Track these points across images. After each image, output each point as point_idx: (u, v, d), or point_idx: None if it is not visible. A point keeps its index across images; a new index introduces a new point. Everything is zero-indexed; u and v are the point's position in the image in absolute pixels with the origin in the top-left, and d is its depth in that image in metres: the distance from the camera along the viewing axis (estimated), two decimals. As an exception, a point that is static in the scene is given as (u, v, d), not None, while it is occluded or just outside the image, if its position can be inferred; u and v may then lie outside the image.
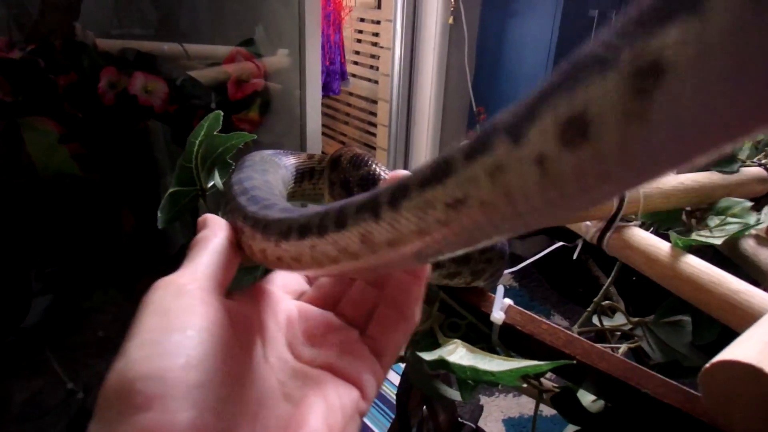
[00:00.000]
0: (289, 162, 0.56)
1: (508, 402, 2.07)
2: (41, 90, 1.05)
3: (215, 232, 0.33)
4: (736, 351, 0.36)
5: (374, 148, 3.05)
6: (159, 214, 0.62)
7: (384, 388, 2.07)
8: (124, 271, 1.23)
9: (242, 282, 0.44)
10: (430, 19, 2.56)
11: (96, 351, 1.14)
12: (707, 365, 0.36)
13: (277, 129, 1.34)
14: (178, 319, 0.26)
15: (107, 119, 1.13)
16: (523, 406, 2.06)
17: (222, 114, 0.62)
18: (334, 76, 2.89)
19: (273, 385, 0.29)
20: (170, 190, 0.63)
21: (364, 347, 0.33)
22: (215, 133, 0.62)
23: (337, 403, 0.30)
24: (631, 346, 0.69)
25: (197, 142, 0.62)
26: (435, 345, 0.60)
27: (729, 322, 0.54)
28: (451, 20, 2.52)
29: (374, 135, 3.07)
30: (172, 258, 1.29)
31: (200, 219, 0.35)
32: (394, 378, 2.09)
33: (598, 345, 0.58)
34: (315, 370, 0.31)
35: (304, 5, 1.18)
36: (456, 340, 0.58)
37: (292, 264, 0.29)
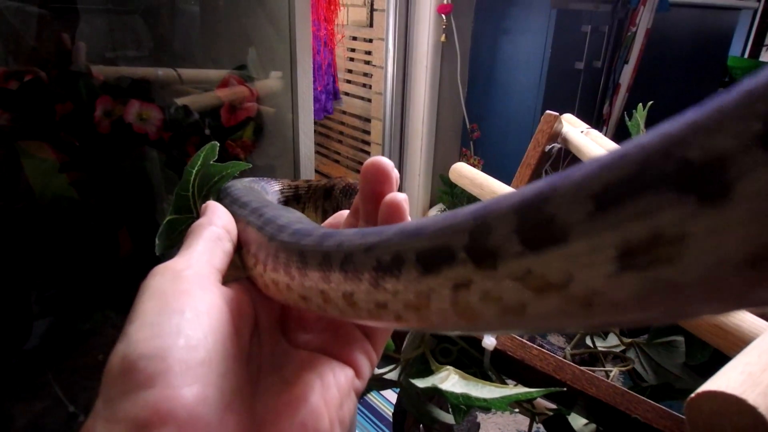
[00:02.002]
0: (271, 189, 0.56)
1: (505, 419, 2.06)
2: (39, 119, 1.06)
3: (211, 219, 0.34)
4: (720, 381, 0.37)
5: (368, 166, 3.05)
6: (157, 241, 0.62)
7: (381, 406, 2.06)
8: (121, 293, 1.23)
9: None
10: (423, 38, 2.58)
11: (97, 374, 1.14)
12: (692, 395, 0.37)
13: (270, 153, 1.34)
14: (175, 302, 0.27)
15: (103, 147, 1.13)
16: (520, 423, 2.06)
17: (218, 144, 0.63)
18: (327, 96, 2.91)
19: (269, 368, 0.30)
20: (168, 218, 0.64)
21: (355, 329, 0.33)
22: (211, 162, 0.63)
23: (332, 381, 0.30)
24: (623, 369, 0.70)
25: (194, 171, 0.63)
26: (427, 371, 0.61)
27: (719, 347, 0.54)
28: (443, 38, 2.53)
29: (368, 153, 3.07)
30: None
31: (202, 206, 0.36)
32: (392, 397, 2.09)
33: (589, 368, 0.59)
34: (309, 353, 0.32)
35: (294, 29, 1.19)
36: (448, 367, 0.58)
37: (346, 310, 0.24)
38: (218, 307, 0.28)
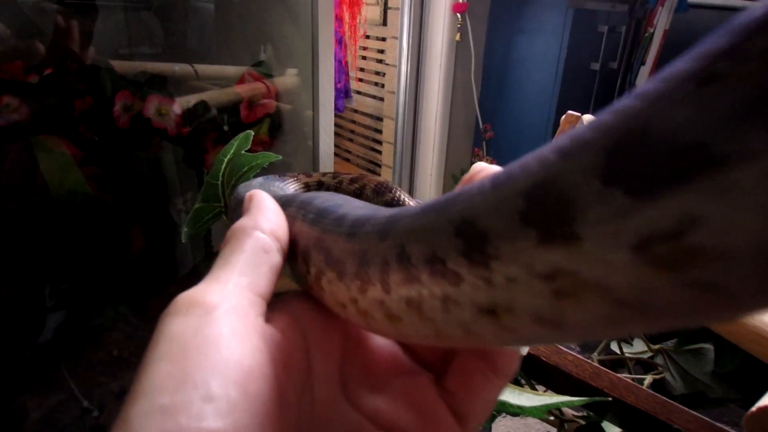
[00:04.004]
0: (289, 186, 0.53)
1: (515, 423, 2.05)
2: (58, 113, 1.05)
3: (257, 221, 0.25)
4: (782, 395, 0.35)
5: (379, 166, 3.04)
6: (184, 229, 0.63)
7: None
8: (133, 289, 1.23)
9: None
10: (437, 36, 2.56)
11: (111, 370, 1.15)
12: (753, 409, 0.36)
13: (287, 149, 1.33)
14: (200, 366, 0.19)
15: (122, 142, 1.13)
16: (530, 426, 2.04)
17: (252, 134, 0.63)
18: (338, 94, 2.89)
19: None
20: (196, 206, 0.64)
21: (442, 405, 0.25)
22: (243, 152, 0.63)
23: None
24: (657, 377, 0.68)
25: (226, 159, 0.63)
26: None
27: (763, 357, 0.53)
28: (457, 37, 2.51)
29: (379, 152, 3.06)
30: (183, 278, 1.29)
31: (246, 197, 0.27)
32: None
33: (624, 376, 0.57)
34: (378, 430, 0.24)
35: (317, 26, 1.18)
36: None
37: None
38: (259, 367, 0.20)
